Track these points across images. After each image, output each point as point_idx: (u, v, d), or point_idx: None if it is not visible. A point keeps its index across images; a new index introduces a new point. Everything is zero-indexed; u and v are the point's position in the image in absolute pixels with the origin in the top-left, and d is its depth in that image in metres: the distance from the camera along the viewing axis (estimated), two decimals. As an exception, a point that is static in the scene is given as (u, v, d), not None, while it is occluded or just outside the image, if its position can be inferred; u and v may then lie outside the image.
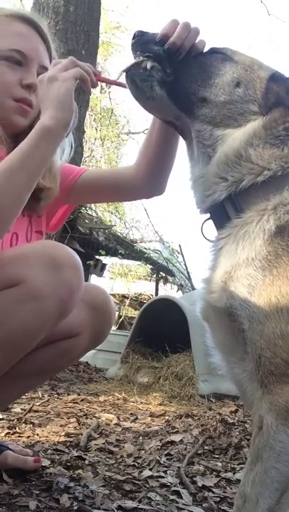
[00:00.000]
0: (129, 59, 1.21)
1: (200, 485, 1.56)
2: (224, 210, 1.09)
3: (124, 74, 1.16)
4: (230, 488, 1.56)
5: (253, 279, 0.98)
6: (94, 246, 6.83)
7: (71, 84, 1.16)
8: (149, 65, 1.12)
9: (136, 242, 9.52)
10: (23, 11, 1.38)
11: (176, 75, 1.13)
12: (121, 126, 14.42)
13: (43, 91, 1.17)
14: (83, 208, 6.42)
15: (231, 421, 2.20)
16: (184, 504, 1.39)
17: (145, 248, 9.48)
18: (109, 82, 1.28)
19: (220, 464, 1.79)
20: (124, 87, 1.18)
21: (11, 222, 1.13)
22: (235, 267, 1.01)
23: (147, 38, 1.14)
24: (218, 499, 1.47)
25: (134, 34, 1.16)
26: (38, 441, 1.85)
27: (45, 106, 1.15)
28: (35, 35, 1.35)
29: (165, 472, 1.65)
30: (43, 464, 1.53)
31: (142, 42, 1.15)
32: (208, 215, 1.16)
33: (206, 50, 1.17)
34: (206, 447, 1.97)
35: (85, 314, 1.40)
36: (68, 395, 2.92)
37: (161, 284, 9.68)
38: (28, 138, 1.13)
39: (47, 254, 1.17)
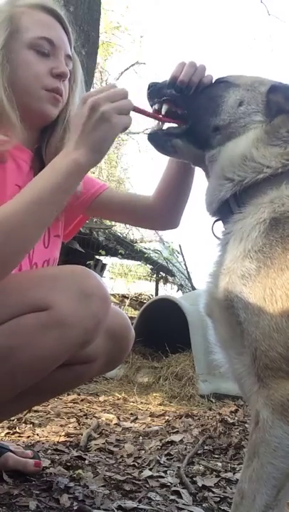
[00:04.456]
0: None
1: (200, 485, 1.56)
2: (229, 208, 1.15)
3: (148, 137, 1.29)
4: (230, 488, 1.56)
5: (247, 270, 1.00)
6: (94, 246, 6.82)
7: (119, 132, 1.10)
8: (164, 109, 1.25)
9: (136, 242, 9.51)
10: (44, 1, 1.32)
11: (189, 113, 1.24)
12: (121, 126, 14.40)
13: (92, 123, 1.07)
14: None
15: (231, 421, 2.20)
16: (184, 504, 1.39)
17: (145, 248, 9.47)
18: (145, 114, 1.25)
19: (220, 464, 1.79)
20: (160, 119, 1.27)
21: (31, 247, 1.13)
22: (233, 260, 1.04)
23: (160, 85, 1.27)
24: (218, 499, 1.47)
25: (149, 85, 1.28)
26: (38, 441, 1.85)
27: (84, 140, 1.07)
28: (58, 24, 1.32)
29: (165, 472, 1.65)
30: (43, 464, 1.53)
31: (156, 90, 1.27)
32: (216, 218, 1.22)
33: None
34: (206, 447, 1.97)
35: (104, 341, 1.37)
36: (68, 395, 2.92)
37: (161, 284, 9.66)
38: (58, 168, 1.07)
39: (76, 281, 1.16)
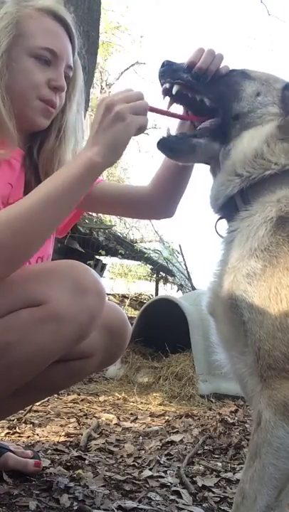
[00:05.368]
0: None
1: (200, 485, 1.56)
2: (235, 204, 1.14)
3: (157, 144, 1.22)
4: (230, 488, 1.56)
5: (253, 269, 0.99)
6: (94, 246, 6.82)
7: (133, 132, 1.10)
8: (175, 89, 1.21)
9: (136, 242, 9.52)
10: (53, 5, 1.30)
11: (212, 100, 1.21)
12: (121, 126, 14.39)
13: (107, 122, 1.09)
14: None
15: (231, 421, 2.20)
16: (183, 504, 1.39)
17: (145, 248, 9.47)
18: (161, 113, 1.24)
19: (220, 464, 1.79)
20: (178, 117, 1.25)
21: (41, 244, 1.13)
22: (239, 259, 1.04)
23: (176, 67, 1.23)
24: (218, 499, 1.47)
25: (163, 63, 1.24)
26: (38, 441, 1.85)
27: (99, 139, 1.09)
28: (64, 33, 1.30)
29: (165, 472, 1.65)
30: (43, 464, 1.53)
31: (171, 70, 1.23)
32: (220, 215, 1.21)
33: None
34: (206, 447, 1.97)
35: (101, 337, 1.37)
36: (68, 395, 2.92)
37: (161, 284, 9.67)
38: (74, 168, 1.09)
39: (72, 276, 1.16)
